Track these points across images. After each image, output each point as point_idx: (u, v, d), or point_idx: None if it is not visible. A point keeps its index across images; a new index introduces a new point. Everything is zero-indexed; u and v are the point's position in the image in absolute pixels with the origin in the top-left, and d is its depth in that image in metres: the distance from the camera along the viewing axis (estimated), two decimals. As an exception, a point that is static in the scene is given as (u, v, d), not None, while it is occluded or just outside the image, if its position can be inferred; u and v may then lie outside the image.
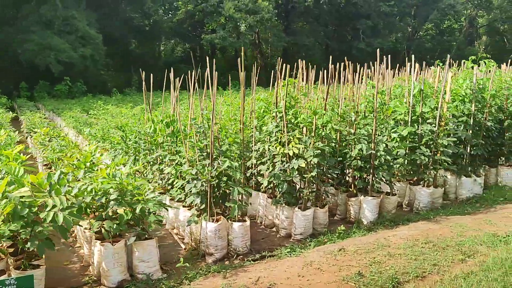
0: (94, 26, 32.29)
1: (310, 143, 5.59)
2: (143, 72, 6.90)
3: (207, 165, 5.08)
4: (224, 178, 5.03)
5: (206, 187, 5.10)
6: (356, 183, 6.24)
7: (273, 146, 5.79)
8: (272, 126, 5.96)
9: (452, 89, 6.99)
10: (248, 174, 6.44)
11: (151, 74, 7.05)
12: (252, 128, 6.43)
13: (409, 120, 6.84)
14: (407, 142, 6.75)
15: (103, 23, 34.10)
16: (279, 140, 5.81)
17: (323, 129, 5.58)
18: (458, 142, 7.40)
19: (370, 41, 42.00)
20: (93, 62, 29.91)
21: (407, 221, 6.08)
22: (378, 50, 6.07)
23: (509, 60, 10.29)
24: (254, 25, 33.52)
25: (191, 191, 5.22)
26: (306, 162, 5.47)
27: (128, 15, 37.84)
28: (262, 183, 6.07)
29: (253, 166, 6.38)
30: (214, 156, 5.26)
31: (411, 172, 6.92)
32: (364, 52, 42.94)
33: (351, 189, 6.47)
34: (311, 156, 5.44)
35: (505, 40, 53.31)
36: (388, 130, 6.36)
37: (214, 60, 5.83)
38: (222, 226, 5.08)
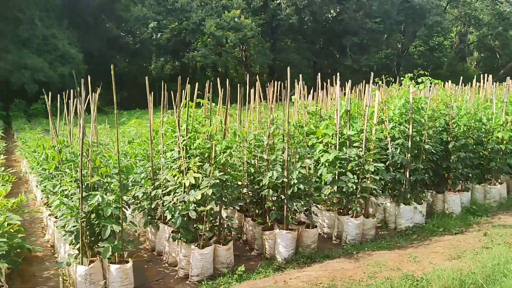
0: (76, 45, 31.97)
1: (210, 171, 5.02)
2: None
3: (79, 199, 4.48)
4: (93, 215, 4.42)
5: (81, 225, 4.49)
6: (270, 214, 5.62)
7: (172, 174, 5.21)
8: (175, 152, 5.40)
9: (380, 110, 6.45)
10: (153, 205, 5.83)
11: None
12: (161, 154, 5.87)
13: (337, 143, 6.28)
14: (336, 167, 6.18)
15: (87, 42, 33.79)
16: (179, 168, 5.23)
17: (222, 156, 4.99)
18: (399, 166, 6.86)
19: (357, 58, 41.73)
20: (73, 81, 29.35)
21: (325, 257, 5.44)
22: (288, 68, 5.53)
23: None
24: (236, 42, 33.27)
25: (66, 229, 4.61)
26: (202, 194, 4.87)
27: (114, 34, 37.58)
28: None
29: (160, 196, 5.77)
30: (96, 187, 4.68)
31: (340, 201, 6.32)
32: (351, 69, 42.72)
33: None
34: (206, 186, 4.84)
35: (498, 56, 53.22)
36: (302, 155, 5.77)
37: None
38: (96, 270, 4.45)
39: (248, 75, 39.84)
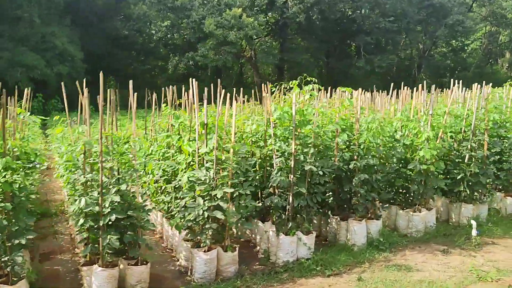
0: (78, 43, 31.92)
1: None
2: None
3: None
4: None
5: None
6: (86, 247, 4.74)
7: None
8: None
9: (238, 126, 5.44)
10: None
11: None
12: None
13: (197, 162, 5.33)
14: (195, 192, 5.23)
15: (90, 41, 33.70)
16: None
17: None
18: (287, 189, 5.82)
19: (370, 58, 39.76)
20: (71, 79, 29.36)
21: (143, 302, 4.51)
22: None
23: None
24: (237, 42, 32.33)
25: None
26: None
27: (120, 33, 37.38)
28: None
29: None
30: None
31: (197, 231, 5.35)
32: (363, 70, 40.88)
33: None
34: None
35: (533, 58, 49.91)
36: (123, 178, 4.84)
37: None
38: None
39: (255, 75, 38.90)
